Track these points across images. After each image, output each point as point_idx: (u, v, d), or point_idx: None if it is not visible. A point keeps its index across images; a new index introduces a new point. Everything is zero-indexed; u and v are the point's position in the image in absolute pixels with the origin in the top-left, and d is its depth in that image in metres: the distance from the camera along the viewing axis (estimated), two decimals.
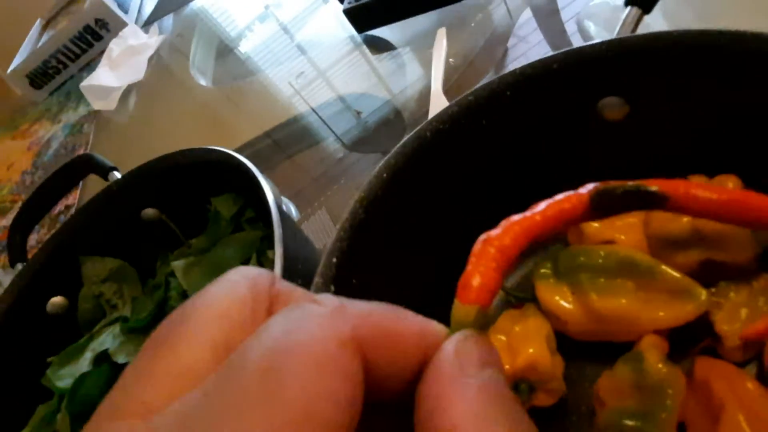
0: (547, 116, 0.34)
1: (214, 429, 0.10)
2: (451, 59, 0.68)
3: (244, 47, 1.04)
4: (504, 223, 0.17)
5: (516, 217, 0.17)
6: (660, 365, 0.29)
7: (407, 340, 0.12)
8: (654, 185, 0.18)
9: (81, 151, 1.03)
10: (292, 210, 0.62)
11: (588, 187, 0.18)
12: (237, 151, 0.77)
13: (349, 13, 0.75)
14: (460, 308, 0.14)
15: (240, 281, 0.13)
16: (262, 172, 0.38)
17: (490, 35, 0.70)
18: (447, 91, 0.61)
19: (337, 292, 0.31)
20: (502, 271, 0.15)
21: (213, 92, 0.99)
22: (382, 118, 0.70)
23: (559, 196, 0.18)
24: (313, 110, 0.77)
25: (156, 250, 0.50)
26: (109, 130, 1.05)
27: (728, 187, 0.30)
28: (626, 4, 0.32)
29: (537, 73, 0.33)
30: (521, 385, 0.33)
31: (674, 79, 0.30)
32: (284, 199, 0.64)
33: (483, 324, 0.14)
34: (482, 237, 0.16)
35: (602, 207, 0.17)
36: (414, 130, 0.34)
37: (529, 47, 0.67)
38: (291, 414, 0.10)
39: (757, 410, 0.26)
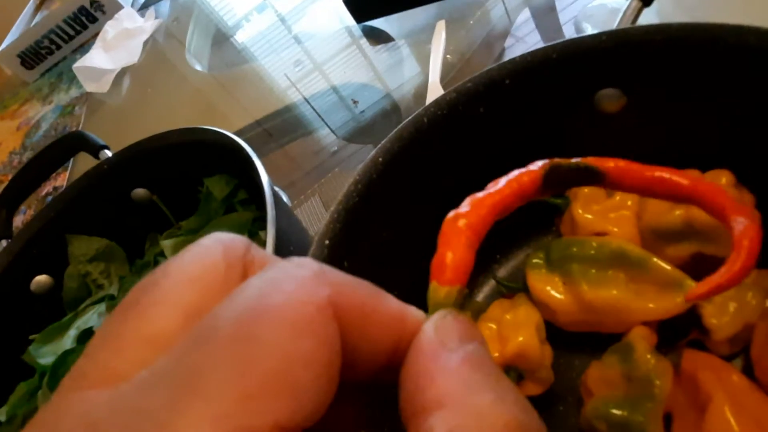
0: (545, 105, 0.34)
1: (184, 394, 0.09)
2: (448, 55, 0.68)
3: (241, 36, 1.03)
4: (470, 200, 0.17)
5: (480, 194, 0.17)
6: (648, 356, 0.29)
7: (384, 318, 0.12)
8: (593, 163, 0.19)
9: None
10: (284, 198, 0.62)
11: (538, 164, 0.18)
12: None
13: (349, 3, 0.75)
14: (437, 289, 0.14)
15: (213, 246, 0.12)
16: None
17: (487, 34, 0.70)
18: (444, 86, 0.61)
19: None
20: (474, 248, 0.15)
21: (207, 79, 0.98)
22: (379, 110, 0.69)
23: (514, 173, 0.18)
24: (307, 101, 0.76)
25: (145, 231, 0.49)
26: (100, 112, 1.04)
27: (721, 182, 0.30)
28: None
29: (536, 61, 0.33)
30: (510, 373, 0.33)
31: (672, 72, 0.31)
32: (276, 188, 0.63)
33: (461, 303, 0.14)
34: (450, 215, 0.16)
35: (552, 182, 0.18)
36: (411, 115, 0.34)
37: (526, 47, 0.68)
38: (264, 377, 0.10)
39: (743, 402, 0.26)
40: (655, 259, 0.31)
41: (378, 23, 0.78)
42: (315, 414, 0.10)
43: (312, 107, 0.76)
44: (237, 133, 0.76)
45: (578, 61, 0.32)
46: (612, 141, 0.35)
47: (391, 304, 0.12)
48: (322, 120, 0.73)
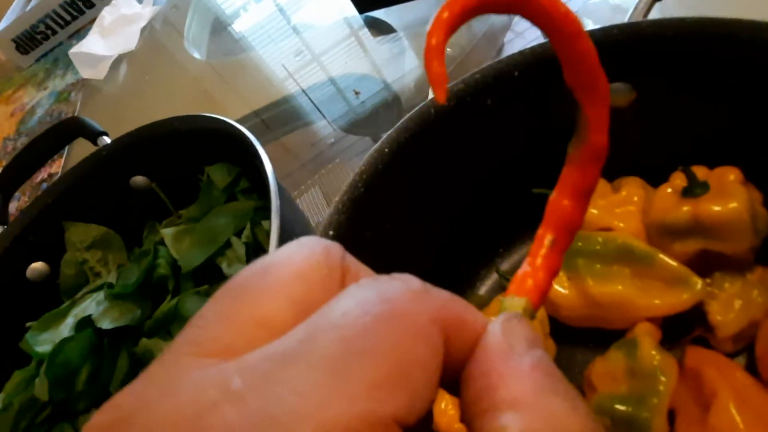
0: (553, 99, 0.34)
1: (321, 373, 0.10)
2: (449, 48, 0.68)
3: (239, 25, 1.02)
4: (552, 219, 0.16)
5: (560, 212, 0.16)
6: (654, 352, 0.29)
7: (475, 333, 0.13)
8: None
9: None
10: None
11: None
12: None
13: None
14: (512, 301, 0.15)
15: (315, 247, 0.13)
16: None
17: (488, 28, 0.70)
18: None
19: None
20: (554, 273, 0.16)
21: (205, 67, 0.97)
22: (379, 102, 0.69)
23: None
24: (304, 92, 0.76)
25: (143, 219, 0.48)
26: (96, 99, 1.02)
27: (729, 179, 0.30)
28: None
29: (547, 53, 0.33)
30: None
31: (684, 67, 0.30)
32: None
33: (531, 318, 0.15)
34: (539, 232, 0.16)
35: None
36: (418, 106, 0.33)
37: (526, 43, 0.67)
38: (389, 372, 0.10)
39: (747, 399, 0.27)
40: (661, 255, 0.30)
41: (379, 14, 0.77)
42: (422, 413, 0.11)
43: (309, 98, 0.75)
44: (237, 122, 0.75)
45: None
46: (621, 135, 0.35)
47: (478, 317, 0.13)
48: (320, 111, 0.72)
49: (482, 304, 0.36)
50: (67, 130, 0.48)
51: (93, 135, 0.48)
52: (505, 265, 0.40)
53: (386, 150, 0.33)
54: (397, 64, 0.73)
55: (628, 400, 0.28)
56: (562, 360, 0.35)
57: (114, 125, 0.74)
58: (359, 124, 0.68)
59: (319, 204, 0.54)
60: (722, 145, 0.32)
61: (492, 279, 0.39)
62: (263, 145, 0.37)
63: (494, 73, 0.33)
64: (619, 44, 0.31)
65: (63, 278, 0.45)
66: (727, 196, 0.29)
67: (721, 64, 0.29)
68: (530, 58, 0.33)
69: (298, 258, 0.13)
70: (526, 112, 0.34)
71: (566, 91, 0.35)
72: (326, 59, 0.81)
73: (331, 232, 0.31)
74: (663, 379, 0.28)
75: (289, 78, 0.81)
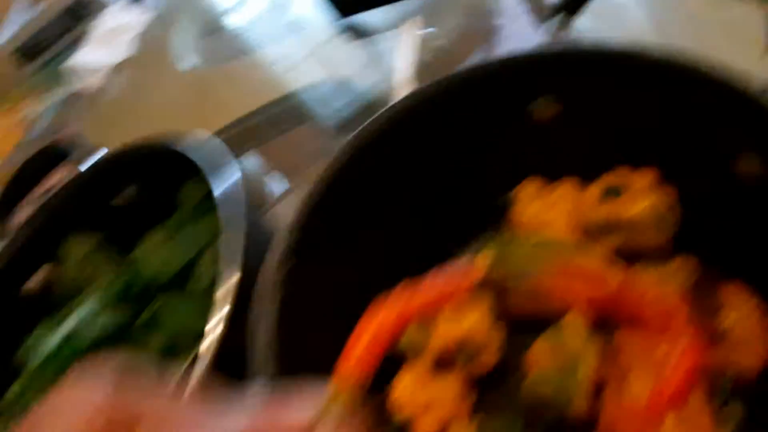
0: (482, 120, 0.37)
1: None
2: (437, 40, 0.69)
3: (232, 28, 1.04)
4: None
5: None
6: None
7: None
8: None
9: (68, 131, 1.04)
10: (275, 185, 0.66)
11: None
12: (227, 128, 0.78)
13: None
14: (332, 387, 0.16)
15: (94, 398, 0.14)
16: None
17: (480, 12, 0.71)
18: (434, 68, 0.64)
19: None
20: (384, 348, 0.17)
21: (199, 72, 0.99)
22: (364, 102, 0.71)
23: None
24: (291, 95, 0.78)
25: (139, 229, 0.51)
26: (94, 110, 1.06)
27: (644, 183, 0.33)
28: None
29: (475, 75, 0.36)
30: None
31: (598, 84, 0.33)
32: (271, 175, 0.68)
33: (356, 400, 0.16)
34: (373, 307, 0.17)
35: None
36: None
37: (521, 26, 0.68)
38: None
39: None
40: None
41: (362, 16, 0.78)
42: None
43: (300, 100, 0.77)
44: (238, 122, 0.77)
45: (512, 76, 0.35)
46: (550, 147, 0.38)
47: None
48: (312, 113, 0.75)
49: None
50: (54, 152, 0.51)
51: (82, 154, 0.51)
52: None
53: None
54: (379, 66, 0.74)
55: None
56: None
57: (114, 135, 0.76)
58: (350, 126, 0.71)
59: None
60: (641, 150, 0.34)
61: None
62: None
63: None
64: (540, 62, 0.34)
65: (58, 289, 0.49)
66: (638, 198, 0.32)
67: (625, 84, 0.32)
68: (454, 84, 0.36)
69: (71, 416, 0.13)
70: (453, 138, 0.37)
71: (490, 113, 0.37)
72: (314, 60, 0.82)
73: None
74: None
75: (281, 76, 0.83)
